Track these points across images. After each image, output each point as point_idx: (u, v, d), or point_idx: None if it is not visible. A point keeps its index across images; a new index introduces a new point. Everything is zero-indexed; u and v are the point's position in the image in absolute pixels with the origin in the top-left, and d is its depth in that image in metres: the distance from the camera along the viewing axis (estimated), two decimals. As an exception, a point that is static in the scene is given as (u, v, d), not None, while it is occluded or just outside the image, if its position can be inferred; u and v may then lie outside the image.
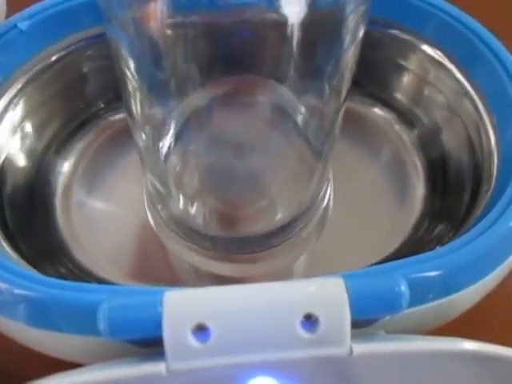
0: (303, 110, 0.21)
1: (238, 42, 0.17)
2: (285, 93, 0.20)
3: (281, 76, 0.19)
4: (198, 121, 0.21)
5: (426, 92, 0.23)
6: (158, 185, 0.21)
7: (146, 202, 0.22)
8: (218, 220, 0.21)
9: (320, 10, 0.17)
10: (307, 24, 0.16)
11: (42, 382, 0.14)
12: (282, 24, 0.16)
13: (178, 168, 0.22)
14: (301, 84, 0.19)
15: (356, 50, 0.18)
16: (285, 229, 0.21)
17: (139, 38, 0.17)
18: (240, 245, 0.21)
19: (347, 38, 0.17)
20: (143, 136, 0.20)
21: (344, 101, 0.20)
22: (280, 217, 0.21)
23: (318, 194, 0.22)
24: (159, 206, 0.22)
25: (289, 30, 0.17)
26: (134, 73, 0.18)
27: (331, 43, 0.18)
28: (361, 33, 0.18)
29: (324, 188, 0.22)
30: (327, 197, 0.22)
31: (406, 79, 0.24)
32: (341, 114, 0.20)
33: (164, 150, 0.21)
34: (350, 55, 0.18)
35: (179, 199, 0.21)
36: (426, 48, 0.23)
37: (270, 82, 0.20)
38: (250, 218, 0.21)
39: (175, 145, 0.21)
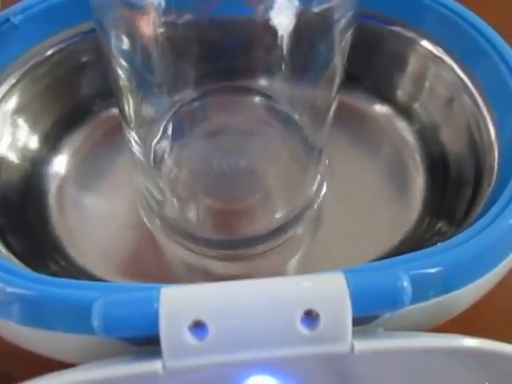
0: (295, 107, 0.21)
1: (230, 44, 0.17)
2: (277, 93, 0.20)
3: (272, 76, 0.19)
4: (191, 121, 0.21)
5: (426, 87, 0.23)
6: (151, 188, 0.21)
7: (140, 205, 0.22)
8: (213, 222, 0.21)
9: (309, 16, 0.17)
10: (296, 30, 0.17)
11: (36, 381, 0.13)
12: (272, 28, 0.17)
13: (171, 170, 0.22)
14: (292, 83, 0.20)
15: (344, 50, 0.18)
16: (281, 230, 0.21)
17: (131, 38, 0.17)
18: (235, 247, 0.21)
19: (335, 42, 0.18)
20: (137, 139, 0.20)
21: (334, 98, 0.20)
22: (275, 217, 0.21)
23: (313, 194, 0.22)
24: (153, 210, 0.22)
25: (279, 33, 0.17)
26: (127, 75, 0.18)
27: (320, 46, 0.18)
28: (348, 35, 0.18)
29: (319, 187, 0.22)
30: (322, 193, 0.22)
31: (406, 75, 0.24)
32: (332, 111, 0.20)
33: (157, 153, 0.21)
34: (338, 56, 0.18)
35: (173, 202, 0.21)
36: (425, 43, 0.23)
37: (262, 82, 0.20)
38: (245, 219, 0.21)
39: (168, 146, 0.21)
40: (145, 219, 0.22)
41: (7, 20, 0.21)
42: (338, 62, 0.19)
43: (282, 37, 0.17)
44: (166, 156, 0.21)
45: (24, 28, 0.22)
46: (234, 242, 0.21)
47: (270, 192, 0.22)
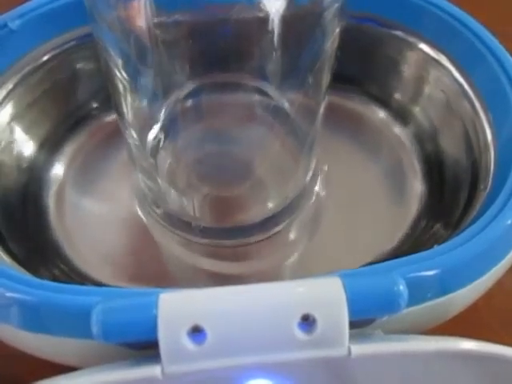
0: (286, 101, 0.21)
1: (222, 39, 0.18)
2: (268, 85, 0.20)
3: (264, 69, 0.19)
4: (186, 115, 0.22)
5: (424, 90, 0.23)
6: (148, 182, 0.21)
7: (137, 201, 0.22)
8: (209, 211, 0.21)
9: (298, 5, 0.17)
10: (286, 19, 0.17)
11: (36, 386, 0.14)
12: (262, 20, 0.17)
13: (168, 163, 0.22)
14: (282, 77, 0.20)
15: (333, 44, 0.18)
16: (274, 218, 0.21)
17: (126, 37, 0.17)
18: (230, 235, 0.21)
19: (324, 33, 0.18)
20: (133, 134, 0.20)
21: (325, 93, 0.20)
22: (269, 205, 0.21)
23: (306, 184, 0.22)
24: (150, 203, 0.22)
25: (269, 26, 0.17)
26: (122, 71, 0.18)
27: (309, 37, 0.18)
28: (337, 28, 0.18)
29: (312, 179, 0.22)
30: (318, 190, 0.22)
31: (404, 78, 0.24)
32: (323, 105, 0.20)
33: (154, 147, 0.21)
34: (327, 49, 0.18)
35: (170, 194, 0.21)
36: (423, 47, 0.23)
37: (253, 76, 0.20)
38: (239, 207, 0.22)
39: (165, 140, 0.21)
40: (143, 217, 0.22)
41: (5, 25, 0.21)
42: (327, 58, 0.19)
43: (272, 28, 0.17)
44: (161, 150, 0.21)
45: (21, 33, 0.22)
46: (230, 231, 0.21)
47: (263, 181, 0.22)
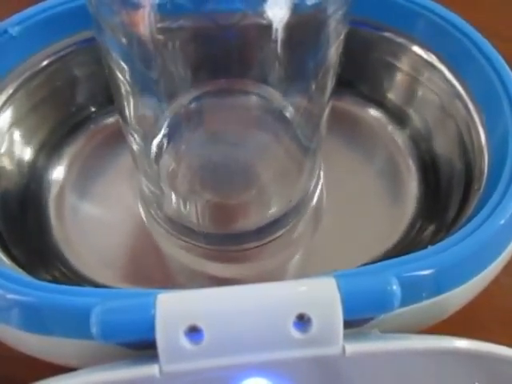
0: (290, 107, 0.21)
1: (226, 45, 0.18)
2: (272, 92, 0.20)
3: (267, 76, 0.19)
4: (189, 120, 0.22)
5: (418, 92, 0.24)
6: (151, 186, 0.21)
7: (139, 204, 0.22)
8: (211, 217, 0.22)
9: (302, 13, 0.17)
10: (290, 26, 0.17)
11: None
12: (266, 27, 0.17)
13: (170, 167, 0.22)
14: (286, 83, 0.20)
15: (338, 50, 0.18)
16: (276, 224, 0.21)
17: (130, 42, 0.17)
18: (233, 241, 0.21)
19: (329, 39, 0.18)
20: (136, 138, 0.20)
21: (329, 98, 0.20)
22: (271, 211, 0.21)
23: (309, 190, 0.22)
24: (153, 207, 0.22)
25: (273, 33, 0.17)
26: (126, 76, 0.18)
27: (313, 44, 0.18)
28: (342, 34, 0.18)
29: (314, 184, 0.22)
30: (318, 194, 0.23)
31: (398, 80, 0.24)
32: (327, 111, 0.20)
33: (157, 152, 0.21)
34: (332, 55, 0.18)
35: (172, 198, 0.21)
36: (416, 49, 0.23)
37: (257, 82, 0.20)
38: (242, 213, 0.22)
39: (167, 145, 0.21)
40: (145, 220, 0.22)
41: (5, 31, 0.21)
42: (332, 64, 0.19)
43: (276, 35, 0.17)
44: (164, 154, 0.22)
45: (21, 39, 0.22)
46: (233, 237, 0.21)
47: (266, 188, 0.22)
